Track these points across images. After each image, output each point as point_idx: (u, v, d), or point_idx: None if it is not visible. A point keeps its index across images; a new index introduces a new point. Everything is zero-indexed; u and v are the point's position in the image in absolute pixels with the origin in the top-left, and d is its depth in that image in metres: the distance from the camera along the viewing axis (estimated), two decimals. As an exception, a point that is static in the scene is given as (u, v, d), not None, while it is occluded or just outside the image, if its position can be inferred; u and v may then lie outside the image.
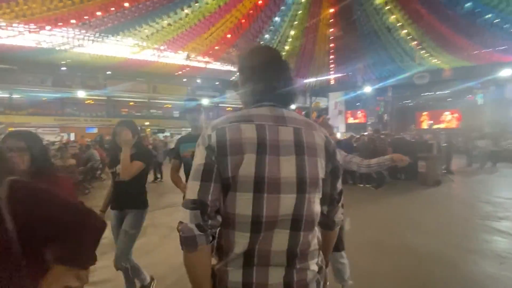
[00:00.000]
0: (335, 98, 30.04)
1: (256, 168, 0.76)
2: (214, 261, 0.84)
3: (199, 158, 0.79)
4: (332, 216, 0.97)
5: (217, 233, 0.81)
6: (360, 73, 18.93)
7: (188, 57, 18.52)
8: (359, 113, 31.80)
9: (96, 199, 5.53)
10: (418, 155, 8.23)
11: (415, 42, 16.32)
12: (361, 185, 8.07)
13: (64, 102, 21.78)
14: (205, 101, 25.06)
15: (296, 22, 16.13)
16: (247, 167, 0.76)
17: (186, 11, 13.65)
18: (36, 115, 20.30)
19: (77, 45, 15.65)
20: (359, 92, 25.82)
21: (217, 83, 27.57)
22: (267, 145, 0.79)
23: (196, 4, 13.26)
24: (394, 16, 14.93)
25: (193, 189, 0.76)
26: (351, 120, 32.27)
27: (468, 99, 24.13)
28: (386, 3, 14.06)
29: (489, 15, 13.41)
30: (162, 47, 16.87)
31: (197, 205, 0.74)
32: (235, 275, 0.77)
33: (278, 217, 0.78)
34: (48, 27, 13.62)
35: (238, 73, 0.99)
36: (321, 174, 0.85)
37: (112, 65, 20.22)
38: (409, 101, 31.30)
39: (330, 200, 0.94)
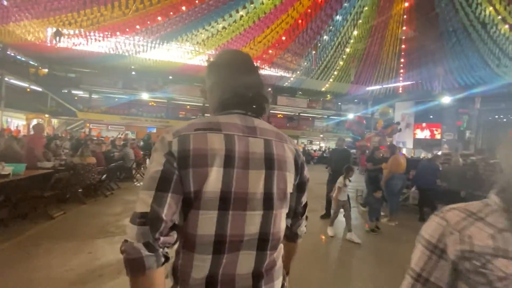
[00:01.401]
0: (403, 109, 26.33)
1: (222, 183, 0.68)
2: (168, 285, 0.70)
3: (155, 164, 0.67)
4: (295, 229, 0.92)
5: (170, 253, 0.68)
6: (437, 79, 15.76)
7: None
8: (434, 128, 27.19)
9: (112, 204, 5.01)
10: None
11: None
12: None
13: (131, 103, 23.92)
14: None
15: (360, 21, 14.29)
16: (213, 182, 0.67)
17: (241, 12, 13.27)
18: (108, 114, 22.71)
19: (140, 51, 16.80)
20: (433, 102, 22.00)
21: (269, 89, 27.02)
22: (236, 158, 0.71)
23: (252, 5, 12.74)
24: (492, 8, 11.88)
25: (145, 201, 0.64)
26: (420, 135, 27.82)
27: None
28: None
29: None
30: (214, 52, 16.93)
31: (147, 220, 0.62)
32: None
33: (244, 236, 0.70)
34: (117, 33, 14.91)
35: (206, 79, 0.86)
36: (289, 188, 0.79)
37: (173, 69, 21.37)
38: (503, 116, 25.43)
39: (294, 214, 0.88)
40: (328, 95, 26.79)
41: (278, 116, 27.78)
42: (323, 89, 23.40)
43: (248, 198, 0.70)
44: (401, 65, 17.92)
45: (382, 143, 7.09)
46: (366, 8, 13.46)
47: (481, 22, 12.66)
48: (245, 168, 0.71)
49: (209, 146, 0.68)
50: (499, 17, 12.17)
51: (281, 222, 0.77)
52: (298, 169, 0.81)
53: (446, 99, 20.41)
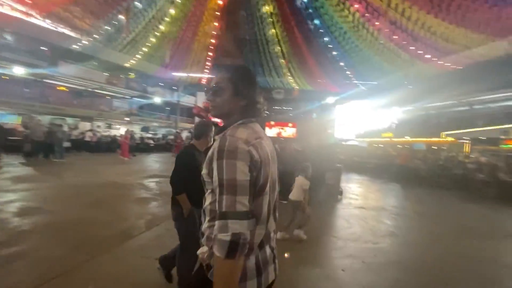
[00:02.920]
0: (204, 99, 29.13)
1: (271, 175, 0.97)
2: None
3: (243, 174, 0.85)
4: None
5: None
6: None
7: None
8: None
9: None
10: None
11: (284, 60, 18.15)
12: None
13: None
14: (19, 70, 16.73)
15: (179, 0, 13.60)
16: (270, 175, 0.96)
17: None
18: None
19: None
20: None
21: (44, 48, 19.02)
22: (271, 156, 0.99)
23: None
24: (273, 30, 15.84)
25: (243, 203, 0.83)
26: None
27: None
28: (271, 15, 14.65)
29: (336, 53, 16.98)
30: None
31: (248, 216, 0.83)
32: (251, 260, 0.91)
33: (272, 207, 0.99)
34: None
35: (220, 85, 1.01)
36: None
37: None
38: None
39: None
40: (132, 73, 23.69)
41: (59, 88, 20.53)
42: (127, 64, 20.19)
43: (275, 183, 1.01)
44: (209, 58, 19.45)
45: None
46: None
47: (266, 39, 16.55)
48: (274, 163, 1.01)
49: (267, 150, 0.96)
50: (276, 39, 16.51)
51: None
52: None
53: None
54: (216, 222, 0.83)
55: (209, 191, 0.95)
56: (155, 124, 27.29)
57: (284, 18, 14.77)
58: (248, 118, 1.00)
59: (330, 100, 23.57)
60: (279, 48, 17.08)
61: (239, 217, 0.81)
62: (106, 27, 15.07)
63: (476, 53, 14.43)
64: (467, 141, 18.21)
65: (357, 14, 13.01)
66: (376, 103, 22.84)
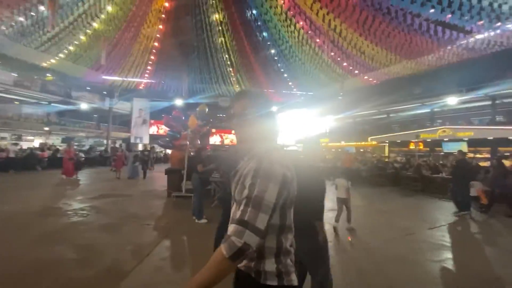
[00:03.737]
0: (140, 105, 26.73)
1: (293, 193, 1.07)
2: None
3: (271, 196, 0.93)
4: None
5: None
6: (183, 84, 17.94)
7: None
8: (161, 126, 30.52)
9: None
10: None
11: (232, 69, 18.30)
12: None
13: None
14: None
15: (118, -1, 12.27)
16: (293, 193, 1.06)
17: None
18: None
19: None
20: (169, 103, 24.81)
21: None
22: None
23: None
24: (222, 39, 15.83)
25: (263, 221, 0.91)
26: (155, 132, 30.05)
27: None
28: (220, 23, 14.59)
29: (281, 64, 18.04)
30: None
31: (262, 235, 0.91)
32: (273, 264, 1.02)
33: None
34: None
35: (247, 111, 1.08)
36: None
37: None
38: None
39: None
40: (50, 75, 20.03)
41: None
42: (44, 64, 17.01)
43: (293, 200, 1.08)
44: (150, 62, 18.05)
45: (193, 143, 6.74)
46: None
47: (215, 47, 16.39)
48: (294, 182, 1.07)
49: (293, 172, 1.06)
50: (224, 47, 16.52)
51: None
52: None
53: (179, 101, 23.91)
54: (234, 225, 0.90)
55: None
56: (81, 134, 23.55)
57: (233, 27, 14.95)
58: (273, 142, 1.11)
59: (273, 109, 24.59)
60: (227, 56, 17.14)
61: (256, 232, 0.88)
62: (19, 18, 12.43)
63: (392, 70, 17.36)
64: (386, 144, 21.66)
65: (302, 31, 14.15)
66: (312, 112, 25.07)
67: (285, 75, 19.64)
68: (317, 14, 12.69)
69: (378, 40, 13.69)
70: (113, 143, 23.30)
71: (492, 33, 12.25)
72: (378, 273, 3.25)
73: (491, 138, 15.31)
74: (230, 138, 30.44)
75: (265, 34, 15.61)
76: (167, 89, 22.33)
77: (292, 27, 13.97)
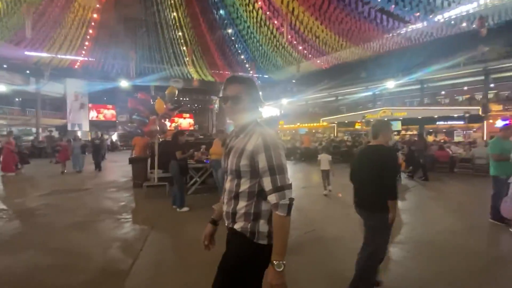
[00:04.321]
0: (76, 87, 23.38)
1: None
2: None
3: (284, 159, 1.17)
4: None
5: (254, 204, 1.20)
6: (131, 63, 16.17)
7: None
8: (109, 110, 27.47)
9: None
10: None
11: (187, 48, 17.11)
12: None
13: None
14: None
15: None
16: None
17: None
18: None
19: None
20: (112, 84, 22.23)
21: None
22: None
23: None
24: (175, 14, 14.58)
25: (288, 179, 1.15)
26: (95, 117, 26.86)
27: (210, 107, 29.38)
28: (173, -4, 13.31)
29: (238, 45, 17.57)
30: None
31: (291, 188, 1.17)
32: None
33: None
34: None
35: (239, 95, 1.23)
36: None
37: None
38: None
39: None
40: None
41: None
42: None
43: None
44: (88, 37, 15.68)
45: (164, 129, 6.22)
46: None
47: (167, 23, 15.01)
48: None
49: None
50: (178, 23, 15.27)
51: None
52: None
53: (124, 83, 21.61)
54: (275, 194, 1.10)
55: (244, 178, 1.17)
56: (0, 122, 19.63)
57: (187, 2, 13.81)
58: (257, 119, 1.27)
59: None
60: (181, 34, 15.93)
61: (290, 188, 1.13)
62: None
63: (341, 55, 18.52)
64: (335, 124, 23.46)
65: (261, 11, 13.91)
66: (268, 95, 25.43)
67: (242, 56, 19.29)
68: (276, -6, 12.57)
69: (332, 25, 14.34)
70: (47, 131, 20.11)
71: (425, 24, 13.95)
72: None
73: (420, 117, 17.82)
74: (179, 123, 29.00)
75: (222, 12, 14.88)
76: (109, 69, 19.88)
77: (251, 6, 13.59)
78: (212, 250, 1.37)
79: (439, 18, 13.27)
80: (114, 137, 26.64)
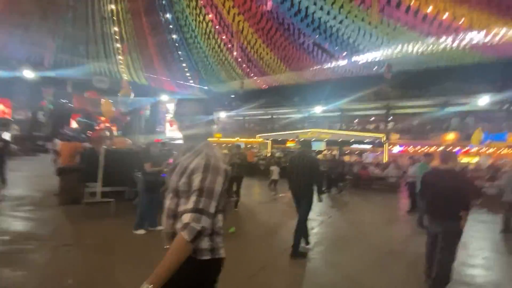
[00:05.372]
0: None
1: None
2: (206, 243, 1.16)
3: (219, 186, 1.13)
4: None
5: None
6: (47, 53, 13.44)
7: None
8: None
9: None
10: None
11: (122, 45, 15.38)
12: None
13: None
14: None
15: None
16: None
17: None
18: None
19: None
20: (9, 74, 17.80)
21: None
22: None
23: None
24: (113, 7, 13.03)
25: (213, 207, 1.09)
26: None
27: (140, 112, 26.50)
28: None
29: (181, 52, 16.91)
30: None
31: (212, 218, 1.10)
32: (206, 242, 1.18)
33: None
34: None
35: (191, 111, 1.25)
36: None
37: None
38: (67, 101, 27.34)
39: None
40: None
41: None
42: None
43: None
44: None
45: (112, 136, 5.29)
46: None
47: (101, 15, 13.23)
48: None
49: None
50: (114, 17, 13.66)
51: None
52: None
53: (29, 74, 17.64)
54: (190, 214, 1.04)
55: (183, 199, 1.14)
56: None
57: (131, -2, 12.58)
58: (208, 139, 1.28)
59: (164, 97, 22.90)
60: (117, 29, 14.27)
61: (209, 216, 1.07)
62: None
63: (278, 79, 20.09)
64: (269, 141, 24.80)
65: (211, 24, 13.90)
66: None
67: (184, 64, 18.62)
68: (228, 12, 12.85)
69: (276, 50, 15.52)
70: None
71: (348, 63, 16.64)
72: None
73: (339, 140, 20.70)
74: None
75: (168, 16, 14.12)
76: (11, 54, 15.99)
77: (201, 17, 13.44)
78: None
79: (357, 60, 16.11)
80: (6, 137, 21.04)
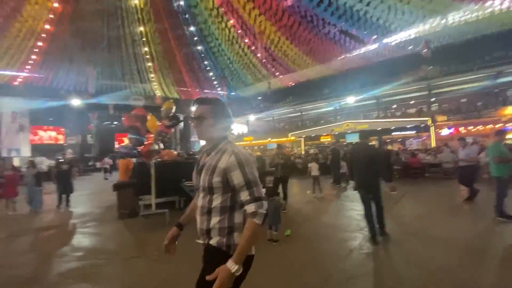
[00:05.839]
0: (14, 107, 20.21)
1: None
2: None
3: (257, 174, 1.25)
4: None
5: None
6: (90, 80, 14.64)
7: None
8: (53, 132, 24.19)
9: None
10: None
11: (153, 64, 16.24)
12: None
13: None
14: None
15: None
16: None
17: None
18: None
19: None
20: (59, 103, 19.74)
21: None
22: None
23: None
24: (142, 29, 13.80)
25: (263, 191, 1.24)
26: (38, 140, 23.41)
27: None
28: (140, 10, 12.57)
29: (207, 62, 17.32)
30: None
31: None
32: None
33: None
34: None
35: (203, 115, 1.32)
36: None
37: None
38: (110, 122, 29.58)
39: None
40: None
41: None
42: None
43: None
44: (36, 50, 13.81)
45: (160, 149, 5.50)
46: None
47: (132, 38, 14.10)
48: None
49: None
50: (144, 38, 14.47)
51: None
52: None
53: (76, 102, 19.37)
54: (253, 203, 1.18)
55: (217, 194, 1.25)
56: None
57: (156, 17, 13.22)
58: (226, 136, 1.36)
59: (193, 108, 23.54)
60: (147, 50, 15.09)
61: (265, 200, 1.22)
62: None
63: (305, 73, 19.57)
64: (302, 138, 24.30)
65: (233, 29, 14.03)
66: (235, 111, 25.36)
67: (211, 73, 19.06)
68: (249, 14, 12.85)
69: (301, 45, 15.15)
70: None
71: (379, 46, 15.63)
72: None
73: (379, 129, 19.51)
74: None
75: (192, 28, 14.56)
76: (60, 85, 17.72)
77: (223, 24, 13.63)
78: None
79: (389, 41, 15.05)
80: (66, 162, 23.35)
